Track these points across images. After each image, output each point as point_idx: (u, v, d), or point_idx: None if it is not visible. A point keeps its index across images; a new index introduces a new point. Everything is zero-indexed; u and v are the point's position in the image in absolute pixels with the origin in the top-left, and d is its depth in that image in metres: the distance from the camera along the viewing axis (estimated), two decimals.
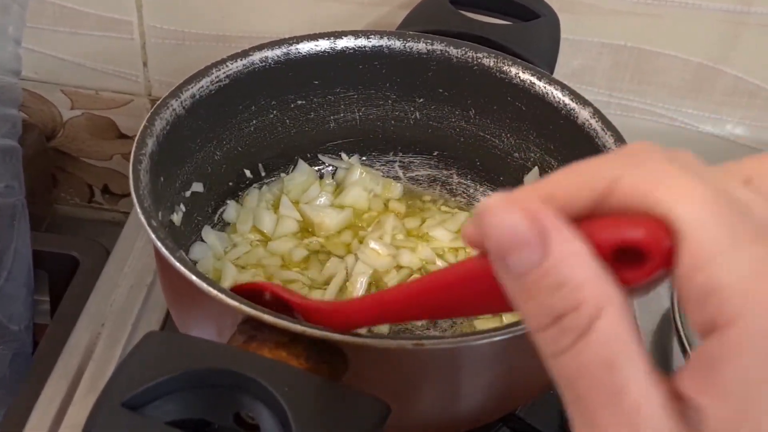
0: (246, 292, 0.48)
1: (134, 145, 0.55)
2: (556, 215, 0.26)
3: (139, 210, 0.51)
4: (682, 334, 0.62)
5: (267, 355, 0.45)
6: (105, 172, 0.99)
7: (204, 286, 0.47)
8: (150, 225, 0.50)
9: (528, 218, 0.26)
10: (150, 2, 0.84)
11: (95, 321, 0.67)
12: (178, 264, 0.48)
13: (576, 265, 0.25)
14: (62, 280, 0.78)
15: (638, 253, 0.25)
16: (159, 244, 0.49)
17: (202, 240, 0.67)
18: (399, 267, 0.67)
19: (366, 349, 0.45)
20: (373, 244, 0.67)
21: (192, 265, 0.48)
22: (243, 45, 0.66)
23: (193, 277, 0.47)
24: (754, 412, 0.23)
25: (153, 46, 0.87)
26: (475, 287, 0.31)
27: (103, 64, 0.89)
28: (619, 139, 0.60)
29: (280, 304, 0.48)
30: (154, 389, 0.41)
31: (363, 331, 0.46)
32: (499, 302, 0.28)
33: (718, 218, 0.24)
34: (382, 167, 0.75)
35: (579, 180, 0.27)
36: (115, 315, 0.67)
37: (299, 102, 0.69)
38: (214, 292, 0.46)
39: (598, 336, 0.25)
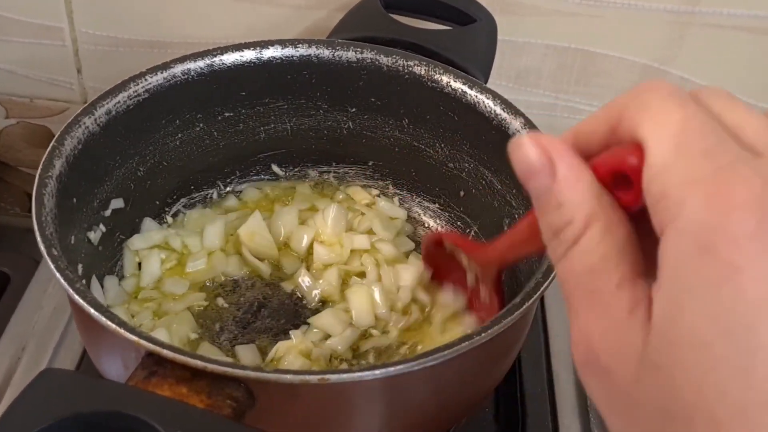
0: (436, 240, 0.59)
1: (40, 167, 0.53)
2: (565, 147, 0.32)
3: (39, 238, 0.49)
4: None
5: (167, 392, 0.43)
6: None
7: (102, 319, 0.45)
8: (50, 254, 0.48)
9: (540, 150, 0.31)
10: (81, 8, 0.82)
11: (17, 343, 0.65)
12: (77, 296, 0.46)
13: (574, 188, 0.31)
14: None
15: (628, 178, 0.30)
16: (58, 274, 0.47)
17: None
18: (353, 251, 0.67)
19: (270, 384, 0.43)
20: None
21: (93, 297, 0.46)
22: (179, 51, 0.64)
23: (92, 310, 0.45)
24: (685, 298, 0.27)
25: (86, 53, 0.85)
26: None
27: (36, 72, 0.87)
28: None
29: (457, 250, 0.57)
30: None
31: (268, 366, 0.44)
32: None
33: (678, 136, 0.28)
34: (317, 178, 0.73)
35: (597, 118, 0.32)
36: (36, 338, 0.65)
37: (227, 114, 0.67)
38: (113, 326, 0.45)
39: (582, 247, 0.30)
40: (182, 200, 0.69)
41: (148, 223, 0.67)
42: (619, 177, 0.30)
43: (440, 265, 0.61)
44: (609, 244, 0.30)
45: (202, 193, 0.71)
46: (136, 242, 0.65)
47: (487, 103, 0.62)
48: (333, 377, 0.43)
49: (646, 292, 0.29)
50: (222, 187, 0.71)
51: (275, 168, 0.72)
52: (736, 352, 0.26)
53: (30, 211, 0.97)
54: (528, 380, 0.64)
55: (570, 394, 0.63)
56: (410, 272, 0.65)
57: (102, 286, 0.62)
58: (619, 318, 0.29)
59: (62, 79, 0.87)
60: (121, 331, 0.44)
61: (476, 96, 0.63)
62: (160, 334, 0.59)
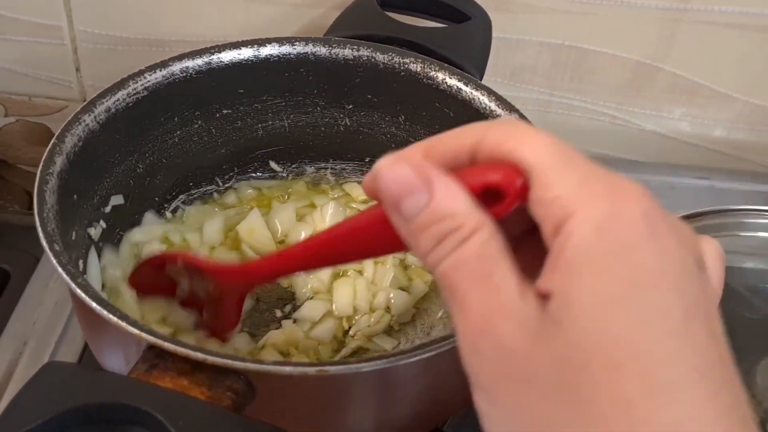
0: (157, 263, 0.55)
1: (41, 164, 0.54)
2: (433, 165, 0.33)
3: (41, 234, 0.49)
4: None
5: (168, 385, 0.44)
6: None
7: (104, 313, 0.46)
8: (52, 250, 0.49)
9: (415, 170, 0.33)
10: (79, 7, 0.82)
11: (18, 339, 0.65)
12: (79, 291, 0.47)
13: (455, 202, 0.32)
14: None
15: (498, 192, 0.32)
16: (60, 269, 0.48)
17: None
18: None
19: (269, 376, 0.44)
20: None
21: (95, 291, 0.47)
22: (177, 49, 0.65)
23: (94, 304, 0.46)
24: (585, 271, 0.29)
25: (85, 51, 0.86)
26: (373, 231, 0.38)
27: (35, 70, 0.88)
28: None
29: (194, 271, 0.53)
30: (45, 426, 0.40)
31: (270, 358, 0.45)
32: (393, 243, 0.35)
33: (553, 155, 0.31)
34: (314, 175, 0.74)
35: (454, 139, 0.34)
36: (38, 333, 0.66)
37: (225, 111, 0.68)
38: (114, 319, 0.45)
39: (472, 241, 0.32)
40: (181, 197, 0.70)
41: (149, 216, 0.67)
42: (488, 192, 0.32)
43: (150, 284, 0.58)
44: (496, 243, 0.32)
45: (201, 189, 0.71)
46: (136, 235, 0.66)
47: (482, 99, 0.63)
48: (331, 369, 0.44)
49: (530, 282, 0.31)
50: (220, 183, 0.72)
51: (273, 164, 0.73)
52: (633, 307, 0.29)
53: (29, 208, 0.99)
54: None
55: None
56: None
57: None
58: (513, 294, 0.31)
59: (61, 78, 0.88)
60: (123, 324, 0.45)
61: (471, 93, 0.64)
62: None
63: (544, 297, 0.30)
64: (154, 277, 0.56)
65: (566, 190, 0.30)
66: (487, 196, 0.33)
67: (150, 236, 0.67)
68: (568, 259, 0.30)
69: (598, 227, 0.30)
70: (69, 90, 0.88)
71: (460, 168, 0.34)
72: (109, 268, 0.62)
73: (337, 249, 0.42)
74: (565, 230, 0.30)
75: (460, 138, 0.34)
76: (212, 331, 0.57)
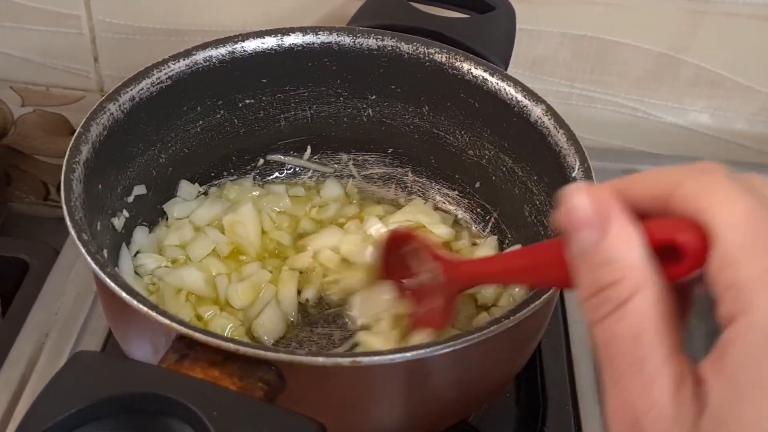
0: (398, 239, 0.57)
1: (67, 152, 0.53)
2: (619, 206, 0.32)
3: (69, 223, 0.49)
4: None
5: (199, 375, 0.43)
6: (59, 169, 0.95)
7: (134, 303, 0.45)
8: (80, 239, 0.48)
9: (595, 204, 0.32)
10: None
11: (39, 330, 0.65)
12: (108, 280, 0.46)
13: (625, 249, 0.30)
14: (12, 284, 0.76)
15: (679, 252, 0.30)
16: (89, 259, 0.47)
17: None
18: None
19: (301, 367, 0.43)
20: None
21: (123, 281, 0.47)
22: (196, 39, 0.64)
23: (123, 294, 0.46)
24: (749, 390, 0.27)
25: (103, 41, 0.85)
26: (555, 262, 0.38)
27: (52, 60, 0.87)
28: (571, 138, 0.58)
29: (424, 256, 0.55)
30: (78, 416, 0.40)
31: (299, 348, 0.44)
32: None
33: (748, 227, 0.28)
34: (336, 166, 0.73)
35: (650, 183, 0.32)
36: (60, 324, 0.65)
37: (247, 101, 0.67)
38: (145, 309, 0.45)
39: (631, 310, 0.29)
40: (203, 187, 0.70)
41: (185, 186, 0.69)
42: (668, 248, 0.30)
43: (388, 264, 0.59)
44: (659, 313, 0.30)
45: (223, 180, 0.71)
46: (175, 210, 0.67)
47: (508, 90, 0.62)
48: (365, 360, 0.43)
49: (690, 368, 0.29)
50: (242, 174, 0.72)
51: (295, 155, 0.72)
52: None
53: (45, 199, 0.98)
54: (549, 366, 0.64)
55: (590, 379, 0.63)
56: None
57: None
58: (667, 394, 0.29)
59: (79, 68, 0.87)
60: (153, 314, 0.45)
61: (497, 83, 0.63)
62: (192, 274, 0.62)
63: (704, 385, 0.28)
64: (393, 255, 0.58)
65: (746, 277, 0.28)
66: (668, 255, 0.31)
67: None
68: (731, 369, 0.27)
69: None
70: (87, 80, 0.88)
71: (650, 217, 0.32)
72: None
73: (532, 270, 0.44)
74: (735, 328, 0.28)
75: (656, 183, 0.32)
76: (422, 325, 0.55)
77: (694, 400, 0.28)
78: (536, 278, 0.46)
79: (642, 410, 0.29)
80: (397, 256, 0.58)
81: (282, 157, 0.72)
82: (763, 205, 0.29)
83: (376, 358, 0.44)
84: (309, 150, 0.73)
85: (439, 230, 0.69)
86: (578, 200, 0.32)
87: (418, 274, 0.56)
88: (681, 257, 0.30)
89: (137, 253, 0.64)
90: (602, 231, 0.31)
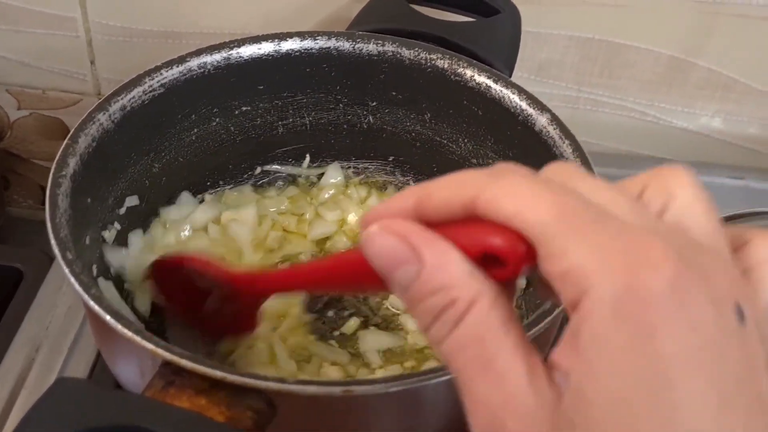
0: (168, 266, 0.54)
1: (53, 166, 0.52)
2: (423, 230, 0.30)
3: (53, 242, 0.47)
4: None
5: (186, 404, 0.42)
6: None
7: (119, 327, 0.43)
8: (65, 258, 0.46)
9: (401, 239, 0.30)
10: None
11: (31, 344, 0.63)
12: (92, 302, 0.44)
13: (448, 271, 0.29)
14: (5, 292, 0.74)
15: (499, 258, 0.29)
16: (73, 280, 0.45)
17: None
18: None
19: (292, 396, 0.42)
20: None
21: (108, 304, 0.45)
22: (194, 41, 0.63)
23: (108, 317, 0.44)
24: (603, 361, 0.26)
25: (99, 44, 0.83)
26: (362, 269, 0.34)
27: (48, 63, 0.85)
28: (577, 149, 0.56)
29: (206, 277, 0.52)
30: None
31: (291, 377, 0.43)
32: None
33: (559, 218, 0.28)
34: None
35: (449, 193, 0.30)
36: (51, 338, 0.64)
37: (244, 108, 0.66)
38: (129, 333, 0.43)
39: (470, 322, 0.29)
40: (197, 197, 0.68)
41: (185, 197, 0.67)
42: (489, 256, 0.29)
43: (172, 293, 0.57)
44: (497, 315, 0.29)
45: (219, 189, 0.69)
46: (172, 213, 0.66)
47: (513, 98, 0.60)
48: (358, 389, 0.41)
49: (539, 358, 0.29)
50: (239, 182, 0.70)
51: (293, 164, 0.70)
52: (656, 408, 0.26)
53: (43, 203, 0.96)
54: None
55: None
56: None
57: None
58: (520, 383, 0.28)
59: (75, 71, 0.85)
60: (138, 339, 0.43)
61: (501, 90, 0.61)
62: None
63: (559, 371, 0.28)
64: (174, 278, 0.55)
65: (577, 262, 0.27)
66: (489, 258, 0.30)
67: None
68: (584, 347, 0.27)
69: (615, 309, 0.26)
70: (83, 83, 0.86)
71: (459, 222, 0.30)
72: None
73: (343, 277, 0.39)
74: (580, 310, 0.27)
75: (456, 193, 0.30)
76: (231, 332, 0.56)
77: (551, 384, 0.28)
78: (345, 285, 0.44)
79: (498, 404, 0.28)
80: (178, 282, 0.55)
81: (280, 167, 0.70)
82: (565, 192, 0.29)
83: (369, 387, 0.42)
84: (308, 158, 0.71)
85: None
86: (381, 241, 0.30)
87: (210, 293, 0.54)
88: (502, 262, 0.29)
89: None
90: (418, 262, 0.30)
